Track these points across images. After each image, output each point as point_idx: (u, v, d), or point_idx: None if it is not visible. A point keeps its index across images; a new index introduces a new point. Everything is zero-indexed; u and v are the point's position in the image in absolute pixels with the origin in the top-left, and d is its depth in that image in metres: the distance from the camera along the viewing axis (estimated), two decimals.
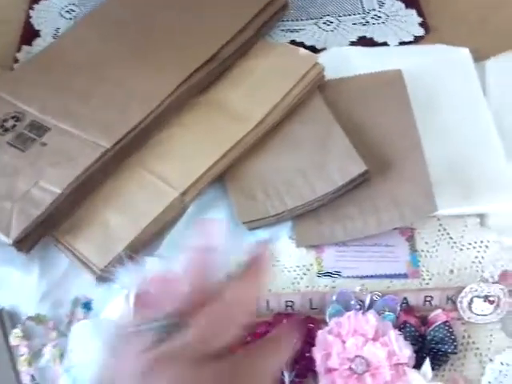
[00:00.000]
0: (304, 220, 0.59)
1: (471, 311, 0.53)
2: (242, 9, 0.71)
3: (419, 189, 0.58)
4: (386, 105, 0.66)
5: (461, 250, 0.58)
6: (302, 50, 0.70)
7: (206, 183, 0.61)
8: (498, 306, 0.52)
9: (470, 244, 0.58)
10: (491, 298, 0.52)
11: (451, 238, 0.59)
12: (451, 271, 0.57)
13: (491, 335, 0.53)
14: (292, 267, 0.57)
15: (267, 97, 0.65)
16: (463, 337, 0.53)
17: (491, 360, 0.51)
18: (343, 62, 0.73)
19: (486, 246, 0.58)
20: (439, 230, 0.59)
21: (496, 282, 0.53)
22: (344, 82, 0.70)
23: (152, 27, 0.72)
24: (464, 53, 0.71)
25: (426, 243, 0.58)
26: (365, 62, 0.72)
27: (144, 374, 0.27)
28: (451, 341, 0.51)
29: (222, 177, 0.63)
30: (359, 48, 0.75)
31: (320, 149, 0.62)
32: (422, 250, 0.58)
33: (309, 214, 0.59)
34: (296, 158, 0.63)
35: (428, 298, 0.53)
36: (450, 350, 0.50)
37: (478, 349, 0.52)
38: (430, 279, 0.56)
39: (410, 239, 0.58)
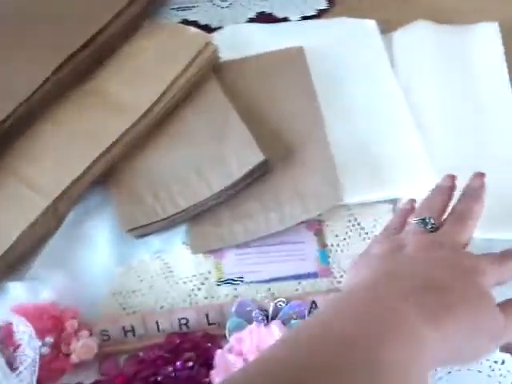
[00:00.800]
0: (200, 222, 0.52)
1: None
2: None
3: (323, 177, 0.52)
4: (287, 86, 0.60)
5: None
6: (193, 30, 0.62)
7: (85, 187, 0.53)
8: None
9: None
10: None
11: (362, 228, 0.53)
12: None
13: None
14: (188, 277, 0.49)
15: (153, 83, 0.57)
16: None
17: None
18: (241, 40, 0.66)
19: None
20: (349, 221, 0.54)
21: None
22: (242, 63, 0.63)
23: (19, 13, 0.62)
24: (370, 25, 0.66)
25: (336, 236, 0.53)
26: (264, 39, 0.66)
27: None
28: None
29: (106, 178, 0.55)
30: (258, 25, 0.68)
31: (216, 140, 0.55)
32: (332, 245, 0.52)
33: (205, 215, 0.53)
34: (189, 152, 0.55)
35: None
36: None
37: None
38: (342, 276, 0.50)
39: (319, 233, 0.52)
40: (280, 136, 0.56)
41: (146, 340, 0.45)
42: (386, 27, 0.67)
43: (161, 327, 0.45)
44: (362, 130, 0.57)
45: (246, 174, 0.52)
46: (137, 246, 0.52)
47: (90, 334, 0.44)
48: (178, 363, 0.42)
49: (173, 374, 0.42)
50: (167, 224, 0.52)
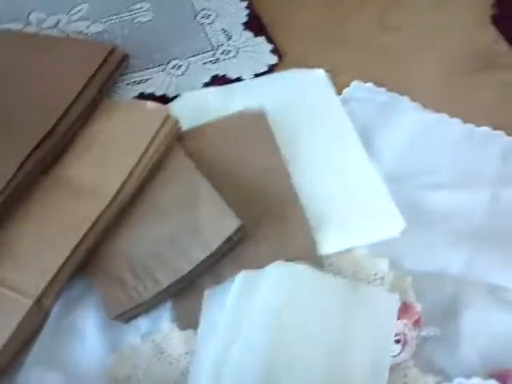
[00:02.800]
0: (183, 296, 0.53)
1: None
2: (75, 73, 0.64)
3: (300, 237, 0.54)
4: (252, 148, 0.62)
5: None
6: (150, 104, 0.63)
7: (66, 279, 0.53)
8: (405, 343, 0.49)
9: (364, 280, 0.54)
10: (397, 338, 0.48)
11: (344, 277, 0.54)
12: None
13: (405, 375, 0.49)
14: (181, 355, 0.50)
15: (119, 164, 0.58)
16: None
17: None
18: (199, 106, 0.68)
19: (382, 278, 0.54)
20: (330, 270, 0.55)
21: (399, 319, 0.49)
22: (205, 129, 0.64)
23: None
24: (319, 74, 0.69)
25: None
26: (222, 102, 0.68)
27: None
28: None
29: (85, 265, 0.55)
30: (214, 88, 0.70)
31: (189, 210, 0.56)
32: None
33: (188, 288, 0.53)
34: (164, 226, 0.56)
35: None
36: None
37: None
38: None
39: None
40: (254, 198, 0.58)
41: None
42: (335, 72, 0.71)
43: None
44: (326, 182, 0.58)
45: (224, 242, 0.53)
46: (125, 330, 0.52)
47: None
48: None
49: None
50: (152, 303, 0.52)
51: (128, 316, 0.52)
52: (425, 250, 0.57)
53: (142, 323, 0.52)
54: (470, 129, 0.66)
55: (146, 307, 0.52)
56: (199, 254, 0.53)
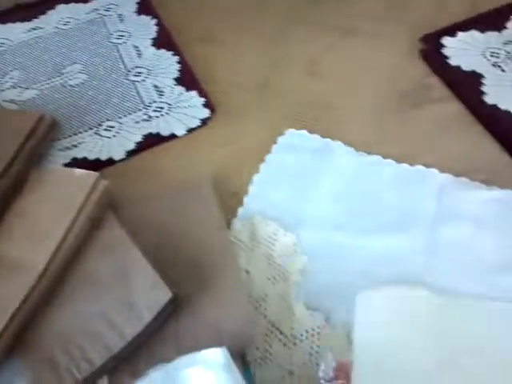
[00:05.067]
0: (117, 375, 0.51)
1: None
2: (1, 147, 0.63)
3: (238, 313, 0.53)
4: (195, 218, 0.61)
5: (294, 344, 0.53)
6: (79, 171, 0.63)
7: None
8: None
9: (301, 335, 0.54)
10: None
11: (281, 332, 0.54)
12: (290, 373, 0.52)
13: None
14: None
15: (48, 236, 0.57)
16: None
17: None
18: None
19: (318, 333, 0.53)
20: (268, 329, 0.54)
21: (335, 379, 0.48)
22: (146, 197, 0.64)
23: None
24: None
25: (257, 349, 0.53)
26: None
27: None
28: None
29: (14, 347, 0.53)
30: None
31: (120, 282, 0.55)
32: (255, 360, 0.52)
33: (121, 366, 0.51)
34: (96, 299, 0.54)
35: None
36: None
37: None
38: None
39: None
40: (193, 269, 0.57)
41: None
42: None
43: None
44: None
45: (157, 315, 0.52)
46: None
47: None
48: None
49: None
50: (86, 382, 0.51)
51: None
52: None
53: None
54: (404, 169, 0.67)
55: None
56: (132, 329, 0.52)
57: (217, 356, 0.47)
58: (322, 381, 0.47)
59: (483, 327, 0.51)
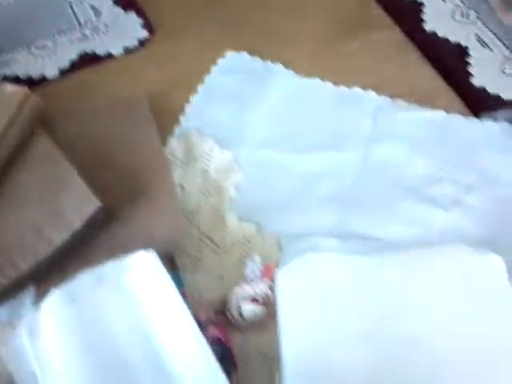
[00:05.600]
0: (48, 281, 0.50)
1: (243, 318, 0.48)
2: None
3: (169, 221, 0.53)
4: (127, 130, 0.60)
5: (225, 252, 0.54)
6: (10, 87, 0.61)
7: None
8: (268, 303, 0.49)
9: (232, 244, 0.54)
10: (258, 298, 0.48)
11: (213, 242, 0.54)
12: (220, 277, 0.53)
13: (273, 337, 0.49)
14: None
15: None
16: (244, 347, 0.49)
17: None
18: None
19: (249, 241, 0.54)
20: (200, 239, 0.55)
21: (260, 279, 0.49)
22: (78, 110, 0.62)
23: None
24: None
25: (189, 256, 0.54)
26: None
27: None
28: (227, 357, 0.46)
29: None
30: None
31: (51, 194, 0.54)
32: (186, 266, 0.53)
33: (52, 273, 0.51)
34: (25, 210, 0.54)
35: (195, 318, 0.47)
36: (228, 368, 0.46)
37: (261, 354, 0.49)
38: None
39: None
40: (125, 179, 0.56)
41: None
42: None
43: None
44: None
45: (86, 224, 0.52)
46: None
47: None
48: None
49: None
50: (13, 290, 0.50)
51: None
52: (295, 212, 0.57)
53: (2, 310, 0.50)
54: (341, 91, 0.67)
55: (7, 295, 0.50)
56: (60, 236, 0.51)
57: (145, 258, 0.48)
58: (248, 279, 0.49)
59: (398, 279, 0.49)
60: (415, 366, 0.45)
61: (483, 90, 0.66)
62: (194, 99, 0.66)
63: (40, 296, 0.50)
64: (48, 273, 0.51)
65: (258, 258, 0.49)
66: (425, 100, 0.66)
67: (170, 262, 0.52)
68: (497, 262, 0.50)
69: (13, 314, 0.50)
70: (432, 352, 0.46)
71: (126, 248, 0.52)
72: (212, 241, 0.55)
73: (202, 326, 0.46)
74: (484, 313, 0.48)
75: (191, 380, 0.44)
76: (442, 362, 0.45)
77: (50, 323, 0.45)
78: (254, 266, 0.49)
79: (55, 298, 0.46)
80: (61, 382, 0.43)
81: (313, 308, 0.47)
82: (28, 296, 0.51)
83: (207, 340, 0.45)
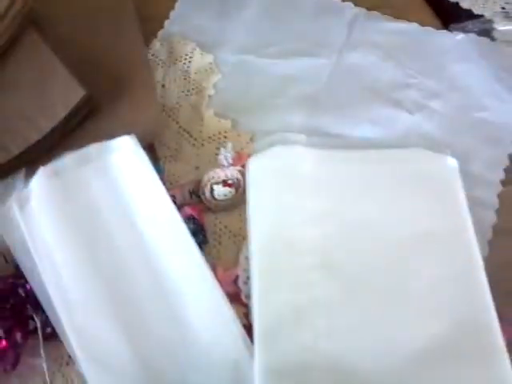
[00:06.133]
0: (36, 165, 0.54)
1: (215, 199, 0.53)
2: None
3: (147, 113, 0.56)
4: (107, 23, 0.62)
5: (202, 145, 0.58)
6: None
7: None
8: (239, 187, 0.53)
9: (209, 138, 0.59)
10: (230, 181, 0.53)
11: (191, 136, 0.59)
12: (196, 168, 0.57)
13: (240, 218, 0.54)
14: None
15: None
16: (215, 225, 0.54)
17: (245, 238, 0.53)
18: None
19: (225, 137, 0.59)
20: (179, 133, 0.59)
21: (232, 165, 0.53)
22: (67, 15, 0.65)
23: None
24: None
25: (168, 148, 0.58)
26: None
27: None
28: (200, 233, 0.51)
29: None
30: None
31: (39, 84, 0.57)
32: (166, 157, 0.57)
33: (42, 160, 0.55)
34: (16, 100, 0.57)
35: (172, 198, 0.52)
36: (201, 241, 0.51)
37: (230, 232, 0.54)
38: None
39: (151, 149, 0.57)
40: (106, 71, 0.59)
41: None
42: None
43: (8, 259, 0.49)
44: None
45: (72, 112, 0.55)
46: None
47: None
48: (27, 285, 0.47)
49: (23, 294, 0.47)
50: (5, 171, 0.55)
51: None
52: (268, 111, 0.61)
53: None
54: (320, 1, 0.70)
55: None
56: (47, 124, 0.55)
57: (127, 142, 0.52)
58: (221, 165, 0.53)
59: (357, 172, 0.55)
60: (366, 244, 0.51)
61: (456, 5, 0.69)
62: (178, 5, 0.69)
63: (29, 177, 0.55)
64: (37, 158, 0.56)
65: (230, 145, 0.53)
66: (400, 13, 0.68)
67: (151, 152, 0.57)
68: (452, 163, 0.55)
69: (4, 191, 0.55)
70: (381, 234, 0.51)
71: (108, 137, 0.56)
72: (190, 135, 0.59)
73: (177, 206, 0.51)
74: (433, 206, 0.53)
75: (167, 249, 0.49)
76: (389, 242, 0.51)
77: (38, 197, 0.50)
78: (226, 153, 0.53)
79: (42, 174, 0.51)
80: (49, 249, 0.49)
81: (278, 192, 0.52)
82: (18, 177, 0.55)
83: (182, 217, 0.50)
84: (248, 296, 0.49)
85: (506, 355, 0.45)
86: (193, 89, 0.62)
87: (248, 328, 0.46)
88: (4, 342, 0.46)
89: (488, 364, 0.45)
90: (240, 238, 0.53)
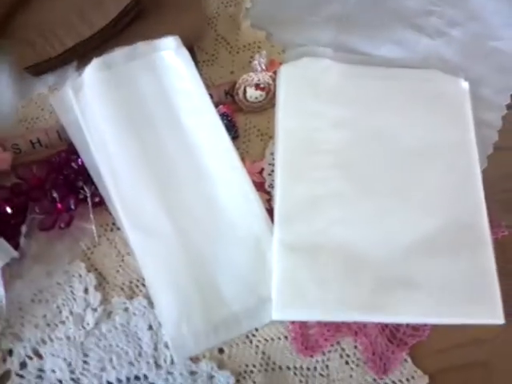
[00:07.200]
0: (88, 58, 0.59)
1: (247, 100, 0.59)
2: None
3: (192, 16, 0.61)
4: None
5: (237, 53, 0.64)
6: None
7: None
8: (269, 91, 0.59)
9: (244, 46, 0.64)
10: (262, 85, 0.58)
11: (228, 43, 0.64)
12: (231, 72, 0.63)
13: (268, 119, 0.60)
14: None
15: None
16: (245, 124, 0.60)
17: (271, 137, 0.59)
18: None
19: (259, 47, 0.64)
20: (216, 40, 0.64)
21: (265, 71, 0.59)
22: None
23: None
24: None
25: (206, 53, 0.63)
26: None
27: None
28: (232, 128, 0.57)
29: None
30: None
31: None
32: (204, 61, 0.63)
33: (92, 54, 0.60)
34: None
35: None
36: (232, 136, 0.57)
37: (259, 130, 0.60)
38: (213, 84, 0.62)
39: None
40: None
41: (52, 149, 0.56)
42: None
43: (62, 136, 0.56)
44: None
45: (122, 12, 0.60)
46: (35, 82, 0.61)
47: (4, 150, 0.54)
48: (79, 160, 0.54)
49: (76, 167, 0.54)
50: (59, 61, 0.61)
51: (37, 70, 0.60)
52: (301, 26, 0.66)
53: (50, 78, 0.61)
54: None
55: (54, 64, 0.60)
56: (99, 22, 0.60)
57: (171, 43, 0.58)
58: (254, 69, 0.58)
59: (377, 86, 0.60)
60: (378, 150, 0.57)
61: None
62: None
63: (81, 69, 0.61)
64: (88, 52, 0.61)
65: (264, 53, 0.59)
66: None
67: (192, 55, 0.62)
68: (464, 86, 0.60)
69: (59, 79, 0.61)
70: (392, 142, 0.57)
71: (155, 37, 0.61)
72: (227, 42, 0.64)
73: (214, 104, 0.57)
74: (442, 121, 0.59)
75: (204, 139, 0.56)
76: (398, 149, 0.57)
77: (91, 84, 0.56)
78: (260, 60, 0.58)
79: (94, 65, 0.56)
80: (100, 128, 0.55)
81: (304, 99, 0.58)
82: (72, 67, 0.62)
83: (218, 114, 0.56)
84: (271, 185, 0.56)
85: (490, 249, 0.52)
86: (231, 1, 0.67)
87: (269, 211, 0.53)
88: (59, 205, 0.53)
89: (475, 255, 0.52)
90: (267, 136, 0.59)
